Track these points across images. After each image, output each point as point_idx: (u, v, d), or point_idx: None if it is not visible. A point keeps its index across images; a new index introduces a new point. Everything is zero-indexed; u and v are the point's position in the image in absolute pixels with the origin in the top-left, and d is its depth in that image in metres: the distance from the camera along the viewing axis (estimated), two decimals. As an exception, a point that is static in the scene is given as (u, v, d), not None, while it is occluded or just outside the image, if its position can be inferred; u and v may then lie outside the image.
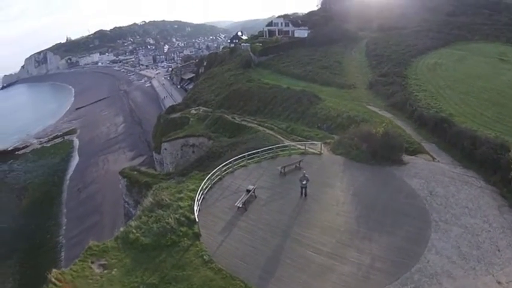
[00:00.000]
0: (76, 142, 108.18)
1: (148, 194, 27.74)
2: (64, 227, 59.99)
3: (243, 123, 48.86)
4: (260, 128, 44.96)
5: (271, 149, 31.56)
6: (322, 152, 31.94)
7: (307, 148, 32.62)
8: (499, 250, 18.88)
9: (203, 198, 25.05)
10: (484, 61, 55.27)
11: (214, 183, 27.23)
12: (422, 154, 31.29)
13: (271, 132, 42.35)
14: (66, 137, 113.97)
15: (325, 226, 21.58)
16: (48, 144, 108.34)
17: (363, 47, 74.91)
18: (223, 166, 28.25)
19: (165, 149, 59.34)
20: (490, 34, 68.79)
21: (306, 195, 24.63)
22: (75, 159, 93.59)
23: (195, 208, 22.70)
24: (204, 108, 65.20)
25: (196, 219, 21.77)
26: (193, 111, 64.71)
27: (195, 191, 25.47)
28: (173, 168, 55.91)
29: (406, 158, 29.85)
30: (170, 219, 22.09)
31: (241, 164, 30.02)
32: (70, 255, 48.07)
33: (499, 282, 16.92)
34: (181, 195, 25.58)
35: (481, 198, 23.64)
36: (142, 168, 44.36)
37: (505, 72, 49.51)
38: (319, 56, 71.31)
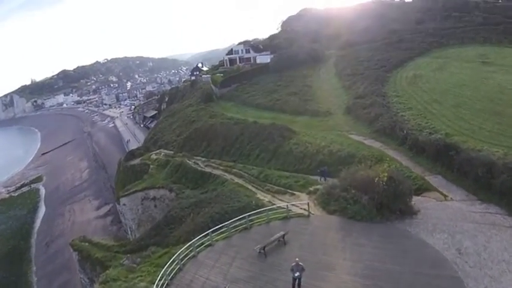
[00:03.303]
0: (42, 191, 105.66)
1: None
2: (35, 287, 57.85)
3: (207, 170, 42.85)
4: (227, 175, 38.50)
5: (244, 217, 23.60)
6: (310, 211, 24.39)
7: (289, 207, 24.99)
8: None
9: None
10: (466, 66, 50.81)
11: (172, 278, 19.57)
12: (430, 192, 25.99)
13: (240, 181, 35.80)
14: (32, 185, 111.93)
15: None
16: (16, 194, 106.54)
17: (331, 67, 69.83)
18: (182, 252, 20.82)
19: (124, 204, 53.89)
20: (465, 37, 65.04)
21: None
22: (42, 210, 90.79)
23: None
24: (165, 151, 60.52)
25: None
26: (153, 156, 59.89)
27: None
28: (136, 224, 51.21)
29: (413, 200, 23.53)
30: None
31: (205, 243, 22.37)
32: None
33: None
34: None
35: (515, 243, 18.00)
36: (95, 238, 40.97)
37: (491, 75, 45.13)
38: (285, 82, 65.74)
